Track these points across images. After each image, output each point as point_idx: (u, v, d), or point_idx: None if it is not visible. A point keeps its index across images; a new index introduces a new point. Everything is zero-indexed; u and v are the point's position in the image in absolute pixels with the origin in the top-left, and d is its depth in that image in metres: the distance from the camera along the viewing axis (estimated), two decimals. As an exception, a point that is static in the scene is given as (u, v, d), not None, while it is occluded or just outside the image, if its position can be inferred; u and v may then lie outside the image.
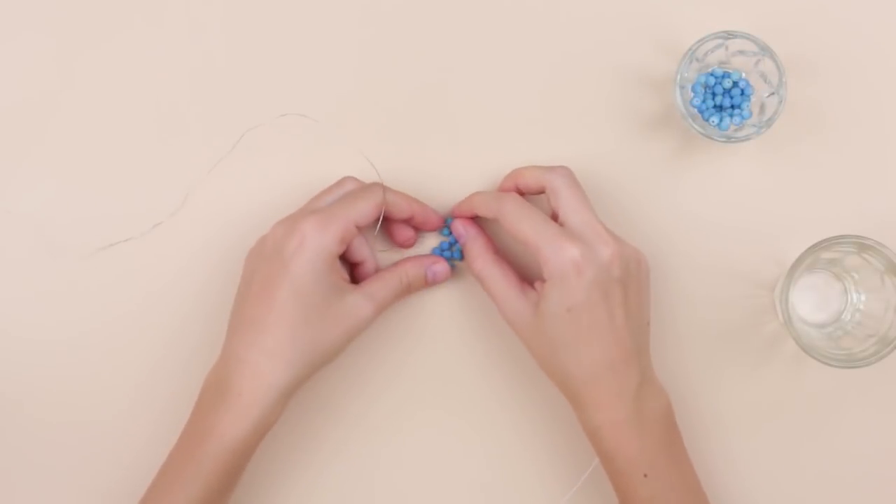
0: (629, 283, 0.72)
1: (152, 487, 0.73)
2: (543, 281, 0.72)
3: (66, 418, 0.80)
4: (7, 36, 0.82)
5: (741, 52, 0.79)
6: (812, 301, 0.81)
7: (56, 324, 0.81)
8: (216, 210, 0.81)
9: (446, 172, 0.81)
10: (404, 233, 0.79)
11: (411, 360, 0.81)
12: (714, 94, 0.79)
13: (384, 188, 0.76)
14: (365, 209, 0.74)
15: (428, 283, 0.79)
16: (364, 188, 0.76)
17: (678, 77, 0.78)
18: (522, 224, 0.72)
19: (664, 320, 0.77)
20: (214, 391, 0.72)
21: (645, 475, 0.71)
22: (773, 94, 0.78)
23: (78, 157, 0.82)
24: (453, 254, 0.81)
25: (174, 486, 0.71)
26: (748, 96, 0.79)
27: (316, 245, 0.71)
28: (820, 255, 0.75)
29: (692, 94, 0.78)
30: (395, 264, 0.78)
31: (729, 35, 0.77)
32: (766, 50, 0.77)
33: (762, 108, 0.79)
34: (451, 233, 0.80)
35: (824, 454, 0.80)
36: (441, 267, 0.79)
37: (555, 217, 0.74)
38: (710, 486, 0.74)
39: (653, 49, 0.81)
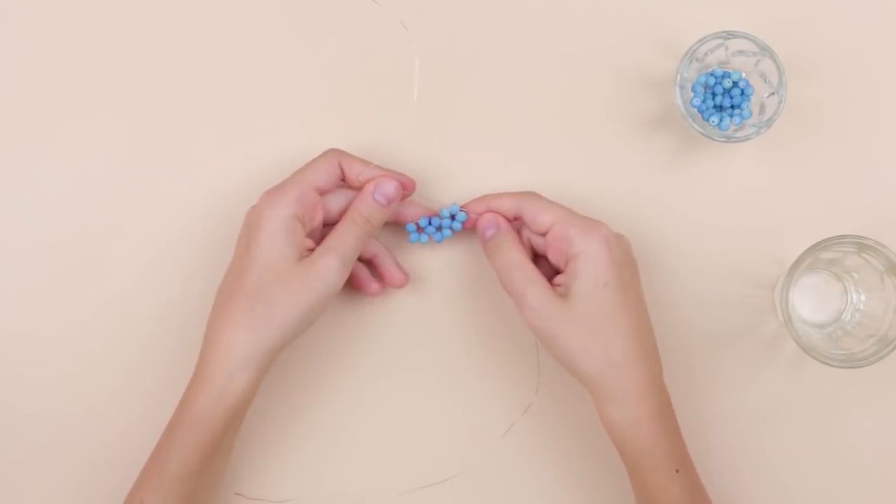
0: (636, 270, 0.73)
1: (142, 470, 0.73)
2: (563, 272, 0.72)
3: (54, 410, 0.80)
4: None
5: (741, 52, 0.79)
6: (812, 301, 0.81)
7: (44, 315, 0.81)
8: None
9: (443, 169, 0.81)
10: (395, 274, 0.79)
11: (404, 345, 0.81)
12: (714, 94, 0.79)
13: (340, 151, 0.76)
14: (318, 167, 0.74)
15: (384, 207, 0.75)
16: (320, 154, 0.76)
17: (678, 77, 0.78)
18: (547, 212, 0.73)
19: (663, 320, 0.77)
20: (195, 368, 0.73)
21: (677, 471, 0.70)
22: (773, 94, 0.78)
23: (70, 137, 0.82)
24: (442, 233, 0.79)
25: (153, 465, 0.72)
26: (748, 96, 0.79)
27: (270, 214, 0.72)
28: (820, 255, 0.75)
29: (692, 94, 0.78)
30: (348, 210, 0.76)
31: (729, 35, 0.77)
32: (766, 50, 0.77)
33: (762, 108, 0.79)
34: (450, 215, 0.79)
35: (824, 454, 0.80)
36: (387, 185, 0.75)
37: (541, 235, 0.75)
38: (709, 487, 0.74)
39: (653, 49, 0.81)
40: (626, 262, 0.72)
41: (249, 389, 0.71)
